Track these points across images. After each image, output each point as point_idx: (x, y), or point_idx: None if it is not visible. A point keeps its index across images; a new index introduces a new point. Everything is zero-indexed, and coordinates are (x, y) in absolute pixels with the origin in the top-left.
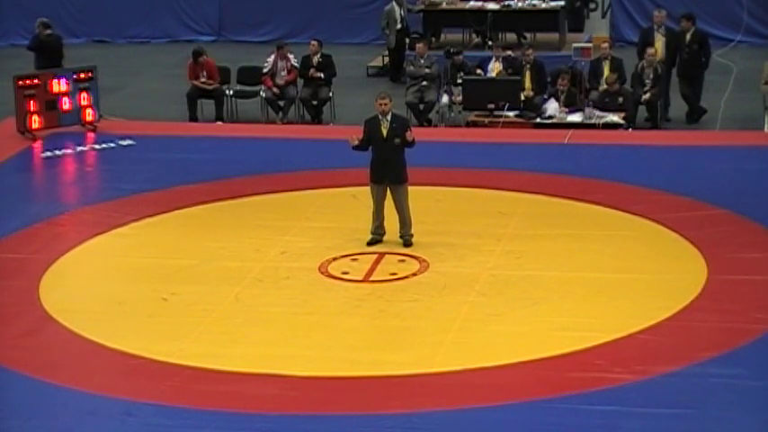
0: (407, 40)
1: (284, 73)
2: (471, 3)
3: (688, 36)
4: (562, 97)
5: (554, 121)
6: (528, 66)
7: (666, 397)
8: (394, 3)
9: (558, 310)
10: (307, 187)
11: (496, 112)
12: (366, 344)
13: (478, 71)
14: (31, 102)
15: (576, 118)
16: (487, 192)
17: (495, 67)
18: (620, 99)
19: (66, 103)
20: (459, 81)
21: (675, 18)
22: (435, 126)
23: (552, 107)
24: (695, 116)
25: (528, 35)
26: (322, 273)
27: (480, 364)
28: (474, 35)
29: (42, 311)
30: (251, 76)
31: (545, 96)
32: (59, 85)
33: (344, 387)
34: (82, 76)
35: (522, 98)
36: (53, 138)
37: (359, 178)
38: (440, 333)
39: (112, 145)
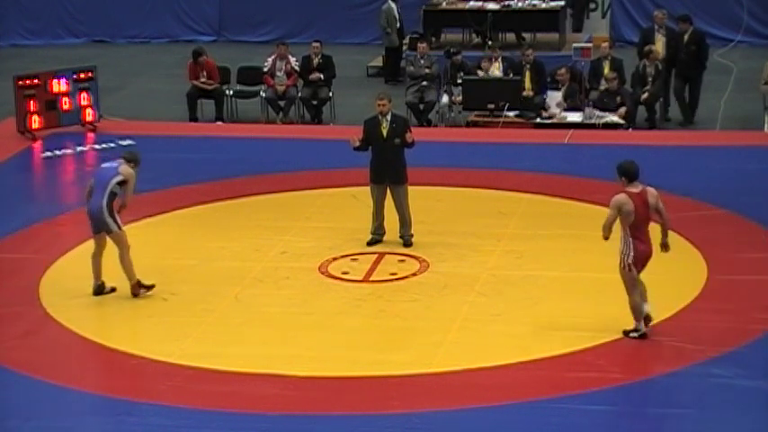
0: (405, 40)
1: (281, 73)
2: (471, 3)
3: (685, 37)
4: (562, 89)
5: (554, 121)
6: (528, 66)
7: (666, 397)
8: (390, 1)
9: (558, 310)
10: (307, 187)
11: (496, 112)
12: (366, 344)
13: (479, 71)
14: (31, 102)
15: (576, 118)
16: (487, 192)
17: (494, 67)
18: (618, 98)
19: (66, 103)
20: (459, 81)
21: (676, 18)
22: (435, 126)
23: (553, 98)
24: (688, 117)
25: (528, 35)
26: (322, 273)
27: (480, 364)
28: (474, 35)
29: (42, 311)
30: (251, 76)
31: (545, 97)
32: (59, 85)
33: (344, 387)
34: (82, 76)
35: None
36: (53, 138)
37: (359, 178)
38: (440, 333)
39: (112, 145)
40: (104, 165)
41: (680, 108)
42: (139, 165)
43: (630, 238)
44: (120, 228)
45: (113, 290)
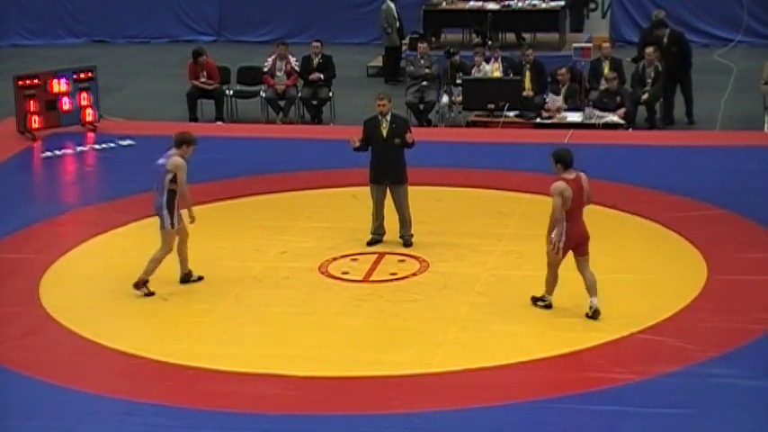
0: (405, 40)
1: (281, 73)
2: (471, 3)
3: (665, 40)
4: (563, 89)
5: (554, 121)
6: (528, 66)
7: (666, 397)
8: (389, 1)
9: (558, 310)
10: (307, 187)
11: (496, 112)
12: (366, 344)
13: (474, 69)
14: (31, 102)
15: (576, 118)
16: (487, 192)
17: (494, 68)
18: (618, 98)
19: (66, 103)
20: (459, 81)
21: (676, 18)
22: (435, 126)
23: (553, 99)
24: (670, 117)
25: (528, 35)
26: (322, 273)
27: (480, 364)
28: (474, 35)
29: (42, 311)
30: (251, 76)
31: (545, 97)
32: (59, 85)
33: (344, 387)
34: (82, 76)
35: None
36: (53, 138)
37: (359, 178)
38: (440, 333)
39: (112, 145)
40: (160, 161)
41: (664, 108)
42: (193, 143)
43: (565, 223)
44: (172, 227)
45: (201, 278)
